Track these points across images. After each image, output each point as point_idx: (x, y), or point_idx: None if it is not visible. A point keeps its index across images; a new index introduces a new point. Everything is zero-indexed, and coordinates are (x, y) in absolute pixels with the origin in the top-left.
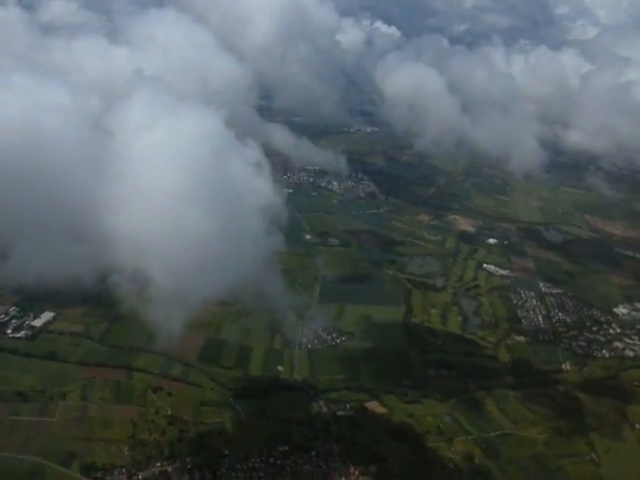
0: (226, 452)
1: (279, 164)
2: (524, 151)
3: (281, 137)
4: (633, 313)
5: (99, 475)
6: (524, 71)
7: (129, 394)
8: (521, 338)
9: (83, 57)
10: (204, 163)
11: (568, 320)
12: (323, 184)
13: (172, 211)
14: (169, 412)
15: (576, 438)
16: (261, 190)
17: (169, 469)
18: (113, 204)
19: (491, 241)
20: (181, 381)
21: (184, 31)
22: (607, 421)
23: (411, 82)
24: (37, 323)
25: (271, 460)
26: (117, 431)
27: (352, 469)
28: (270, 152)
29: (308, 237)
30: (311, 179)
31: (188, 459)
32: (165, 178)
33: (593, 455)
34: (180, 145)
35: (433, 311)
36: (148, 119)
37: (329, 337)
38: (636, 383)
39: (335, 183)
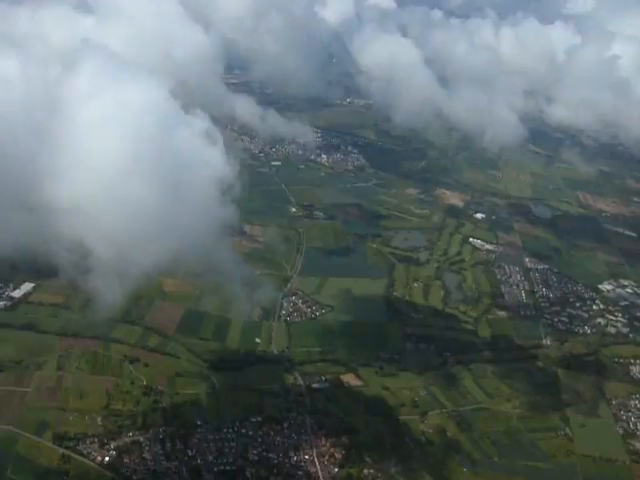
0: (199, 422)
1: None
2: (502, 125)
3: (247, 108)
4: (618, 290)
5: (71, 444)
6: (512, 44)
7: (105, 365)
8: (503, 313)
9: (48, 26)
10: (148, 133)
11: (551, 296)
12: (312, 157)
13: (116, 180)
14: (144, 383)
15: (551, 413)
16: (212, 161)
17: (141, 439)
18: (59, 173)
19: (478, 216)
20: (158, 352)
21: (152, 0)
22: (584, 397)
23: (390, 55)
24: (17, 294)
25: (243, 431)
26: (91, 401)
27: (323, 441)
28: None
29: (293, 210)
30: (300, 152)
31: (161, 429)
32: (109, 147)
33: (567, 430)
34: (124, 114)
35: (415, 285)
36: (94, 88)
37: (308, 310)
38: (616, 359)
39: (324, 156)
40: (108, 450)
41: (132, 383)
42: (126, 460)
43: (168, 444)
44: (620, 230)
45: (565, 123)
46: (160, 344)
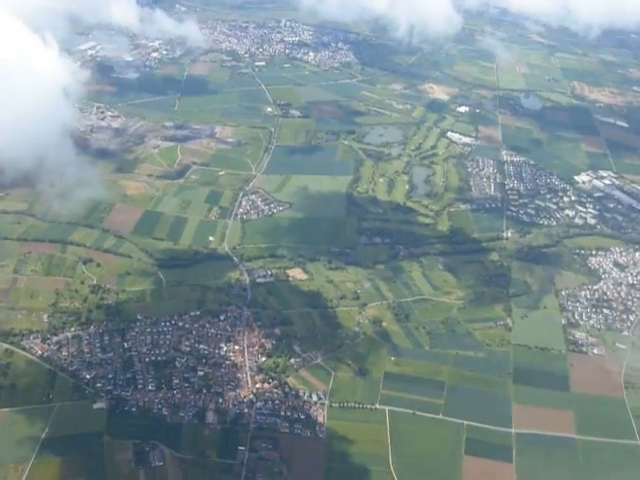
0: (139, 317)
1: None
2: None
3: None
4: (594, 182)
5: (15, 340)
6: None
7: (60, 266)
8: (466, 206)
9: None
10: None
11: (522, 188)
12: (299, 55)
13: None
14: (94, 282)
15: (495, 305)
16: (45, 66)
17: (82, 333)
18: None
19: (462, 109)
20: (112, 253)
21: None
22: (533, 288)
23: None
24: None
25: (180, 324)
26: (41, 300)
27: (256, 332)
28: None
29: (269, 109)
30: (287, 50)
31: (102, 324)
32: None
33: (508, 321)
34: None
35: (381, 180)
36: None
37: (266, 207)
38: (576, 251)
39: (311, 54)
40: (49, 345)
41: (82, 282)
42: (64, 353)
43: (106, 338)
44: (611, 120)
45: (524, 10)
46: (114, 245)
